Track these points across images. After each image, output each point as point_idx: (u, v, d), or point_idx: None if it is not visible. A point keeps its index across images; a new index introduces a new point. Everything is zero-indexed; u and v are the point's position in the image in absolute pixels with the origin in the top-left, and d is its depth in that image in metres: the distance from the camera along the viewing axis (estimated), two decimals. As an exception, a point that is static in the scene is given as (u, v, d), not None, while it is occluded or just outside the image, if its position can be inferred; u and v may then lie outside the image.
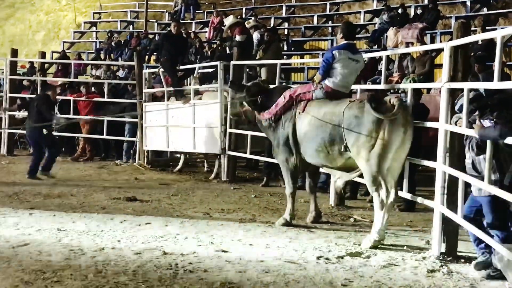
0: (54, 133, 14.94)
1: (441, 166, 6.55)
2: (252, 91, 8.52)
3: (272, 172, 11.61)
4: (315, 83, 7.68)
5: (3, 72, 16.61)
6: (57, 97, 15.17)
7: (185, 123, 12.66)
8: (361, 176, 7.31)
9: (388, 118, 6.74)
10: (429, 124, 7.29)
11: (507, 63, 13.25)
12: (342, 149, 7.10)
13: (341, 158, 7.29)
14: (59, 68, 20.69)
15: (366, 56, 10.76)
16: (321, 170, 8.42)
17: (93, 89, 15.61)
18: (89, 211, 8.66)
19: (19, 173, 12.32)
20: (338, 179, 7.80)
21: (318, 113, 7.41)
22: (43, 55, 19.22)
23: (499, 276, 5.58)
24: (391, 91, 9.81)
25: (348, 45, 7.62)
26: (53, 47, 28.60)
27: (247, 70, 12.44)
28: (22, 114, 16.18)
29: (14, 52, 17.26)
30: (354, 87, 8.23)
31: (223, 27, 17.49)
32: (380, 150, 6.81)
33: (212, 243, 6.90)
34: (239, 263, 6.10)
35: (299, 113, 7.70)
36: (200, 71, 13.32)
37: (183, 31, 17.67)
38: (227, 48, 15.28)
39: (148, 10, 26.93)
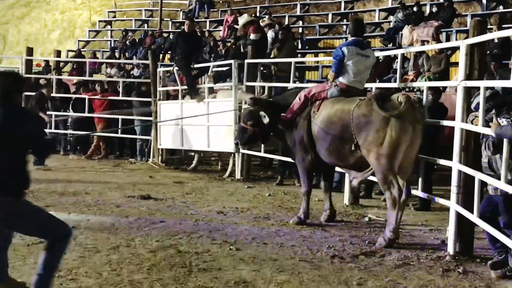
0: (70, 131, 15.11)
1: (457, 165, 6.51)
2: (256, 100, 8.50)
3: (286, 171, 11.61)
4: (330, 82, 7.68)
5: (19, 70, 16.70)
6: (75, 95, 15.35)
7: (200, 121, 12.67)
8: (374, 174, 7.28)
9: (394, 116, 6.71)
10: (445, 122, 7.25)
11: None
12: (353, 148, 7.08)
13: (352, 156, 7.27)
14: (74, 66, 20.77)
15: (381, 54, 10.75)
16: (336, 169, 8.40)
17: (105, 86, 15.66)
18: (103, 209, 8.68)
19: (34, 171, 12.35)
20: (353, 179, 7.78)
21: (330, 111, 7.40)
22: (58, 53, 19.34)
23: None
24: (406, 89, 9.76)
25: (355, 41, 7.62)
26: (68, 46, 28.76)
27: (261, 68, 12.43)
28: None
29: (30, 51, 17.36)
30: (368, 85, 8.20)
31: (237, 26, 17.46)
32: (389, 148, 6.78)
33: (226, 241, 6.90)
34: (253, 261, 6.10)
35: (313, 112, 7.68)
36: (214, 69, 13.32)
37: (197, 30, 17.70)
38: (241, 47, 15.26)
39: (163, 8, 27.00)
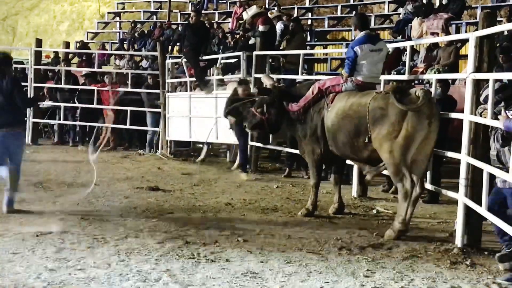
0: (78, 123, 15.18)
1: (465, 158, 6.49)
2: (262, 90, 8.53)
3: (294, 163, 11.60)
4: (344, 77, 7.63)
5: (28, 62, 16.76)
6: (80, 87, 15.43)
7: (208, 113, 12.68)
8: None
9: (412, 110, 6.69)
10: (454, 115, 7.23)
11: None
12: (366, 140, 7.06)
13: (365, 149, 7.24)
14: (83, 58, 20.80)
15: (390, 46, 10.68)
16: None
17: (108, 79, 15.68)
18: (112, 200, 8.72)
19: (44, 162, 12.44)
20: (367, 174, 7.75)
21: (345, 104, 7.38)
22: (67, 45, 19.35)
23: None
24: (416, 82, 9.71)
25: (367, 36, 7.55)
26: (77, 37, 28.76)
27: (270, 60, 12.42)
28: (47, 103, 16.38)
29: (39, 42, 17.40)
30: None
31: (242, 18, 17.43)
32: (404, 141, 6.75)
33: (234, 233, 6.91)
34: (261, 253, 6.11)
35: (327, 105, 7.66)
36: (222, 61, 13.31)
37: (206, 22, 17.67)
38: (250, 39, 15.24)
39: (172, 0, 26.94)
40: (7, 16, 34.67)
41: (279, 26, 15.06)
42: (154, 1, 29.26)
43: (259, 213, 8.09)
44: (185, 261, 5.76)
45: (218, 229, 7.09)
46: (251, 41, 14.89)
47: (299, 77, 11.06)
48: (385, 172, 7.59)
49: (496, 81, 5.99)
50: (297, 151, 9.90)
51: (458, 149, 6.75)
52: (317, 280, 5.32)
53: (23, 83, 16.79)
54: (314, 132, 7.88)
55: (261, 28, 12.93)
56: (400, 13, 18.47)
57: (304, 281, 5.30)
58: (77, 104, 15.56)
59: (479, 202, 6.12)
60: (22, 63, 19.98)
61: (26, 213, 7.65)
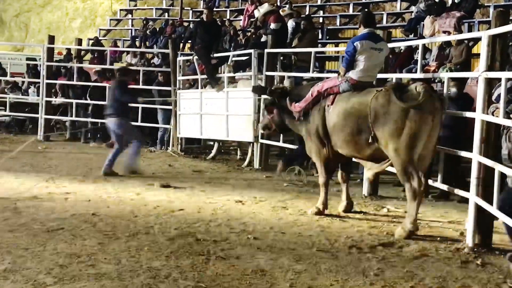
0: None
1: (477, 157, 6.46)
2: (276, 92, 8.53)
3: (305, 161, 11.55)
4: (340, 77, 7.62)
5: (41, 58, 16.85)
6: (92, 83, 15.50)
7: (219, 111, 12.70)
8: (392, 166, 7.23)
9: (413, 107, 6.66)
10: (466, 114, 7.20)
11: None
12: (370, 140, 7.03)
13: (368, 148, 7.22)
14: (95, 55, 20.89)
15: (402, 44, 10.67)
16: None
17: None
18: (123, 196, 8.75)
19: (55, 158, 12.51)
20: (368, 170, 7.75)
21: (347, 104, 7.35)
22: (79, 42, 19.43)
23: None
24: (430, 80, 9.68)
25: (369, 34, 7.53)
26: (90, 34, 28.86)
27: (281, 58, 12.42)
28: (59, 100, 16.47)
29: (51, 39, 17.49)
30: (389, 75, 8.14)
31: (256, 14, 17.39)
32: (409, 139, 6.71)
33: (244, 230, 6.92)
34: (271, 250, 6.11)
35: (328, 106, 7.64)
36: (234, 59, 13.33)
37: (217, 19, 17.68)
38: (262, 36, 15.25)
39: (184, -3, 27.00)
40: (20, 13, 34.85)
41: (290, 24, 15.05)
42: (166, -1, 29.34)
43: (269, 211, 8.09)
44: (195, 258, 5.77)
45: (229, 226, 7.10)
46: (263, 39, 14.89)
47: (311, 75, 11.05)
48: (389, 169, 7.56)
49: (508, 80, 5.96)
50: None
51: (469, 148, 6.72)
52: (327, 279, 5.32)
53: (35, 79, 17.10)
54: (316, 133, 7.86)
55: (272, 25, 12.93)
56: (412, 11, 18.42)
57: (313, 280, 5.29)
58: (89, 101, 15.64)
59: (490, 202, 6.09)
60: (35, 59, 20.12)
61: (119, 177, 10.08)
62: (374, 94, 7.03)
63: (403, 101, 6.68)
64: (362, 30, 7.61)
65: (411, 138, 6.71)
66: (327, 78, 8.55)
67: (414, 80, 8.48)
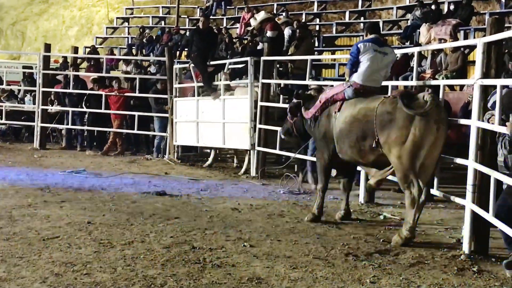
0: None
1: (472, 164, 6.46)
2: (302, 96, 8.55)
3: (305, 169, 11.46)
4: (346, 81, 7.67)
5: (37, 66, 16.84)
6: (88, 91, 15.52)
7: (215, 118, 12.70)
8: (394, 173, 7.23)
9: (419, 115, 6.66)
10: (463, 121, 7.21)
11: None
12: (374, 145, 7.04)
13: (372, 154, 7.23)
14: (91, 63, 20.89)
15: (398, 52, 10.67)
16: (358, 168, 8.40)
17: (117, 84, 15.69)
18: (119, 204, 8.72)
19: (51, 166, 12.48)
20: (371, 178, 7.74)
21: (354, 110, 7.38)
22: (75, 50, 19.44)
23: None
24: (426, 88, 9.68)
25: (373, 38, 7.61)
26: (86, 42, 28.89)
27: (277, 66, 12.43)
28: (55, 108, 16.45)
29: (48, 47, 17.47)
30: (385, 83, 8.16)
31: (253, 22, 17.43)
32: (412, 147, 6.72)
33: (240, 238, 6.90)
34: (267, 258, 6.10)
35: (335, 112, 7.66)
36: (230, 66, 13.33)
37: (214, 27, 17.71)
38: (258, 44, 15.26)
39: (180, 6, 27.01)
40: (16, 21, 34.88)
41: (287, 31, 15.06)
42: (162, 7, 29.41)
43: (265, 218, 8.08)
44: (191, 266, 5.76)
45: (225, 234, 7.08)
46: (259, 47, 14.91)
47: (307, 83, 11.05)
48: (390, 177, 7.57)
49: (503, 87, 5.97)
50: (304, 157, 10.01)
51: (452, 152, 6.73)
52: (323, 286, 5.31)
53: (31, 88, 17.08)
54: (322, 138, 7.90)
55: (269, 33, 12.94)
56: (408, 19, 18.51)
57: (310, 287, 5.28)
58: (85, 109, 15.63)
59: (486, 209, 6.09)
60: (31, 67, 20.11)
61: None
62: (381, 100, 7.06)
63: (410, 109, 6.68)
64: (368, 37, 7.69)
65: (415, 146, 6.71)
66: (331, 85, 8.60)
67: (412, 88, 8.54)
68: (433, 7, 17.34)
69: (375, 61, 7.47)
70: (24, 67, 21.64)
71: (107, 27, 29.56)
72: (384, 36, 15.75)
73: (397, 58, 13.02)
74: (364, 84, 7.49)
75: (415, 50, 9.10)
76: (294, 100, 8.56)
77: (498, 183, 5.98)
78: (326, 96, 7.86)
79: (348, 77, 7.63)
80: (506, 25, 10.07)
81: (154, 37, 24.26)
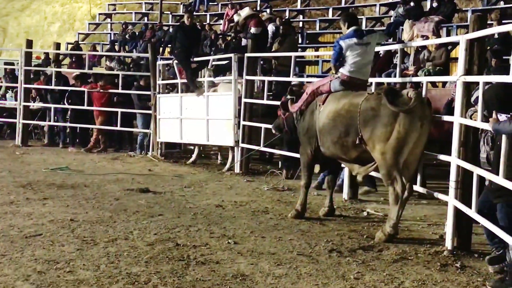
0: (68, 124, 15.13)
1: (455, 160, 6.50)
2: (295, 91, 8.54)
3: (291, 166, 11.43)
4: (332, 74, 7.68)
5: (18, 62, 16.69)
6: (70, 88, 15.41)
7: (199, 115, 12.67)
8: (377, 169, 7.25)
9: (404, 112, 6.68)
10: (445, 117, 7.24)
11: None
12: (357, 142, 7.05)
13: (355, 150, 7.24)
14: (73, 59, 20.75)
15: (381, 49, 10.71)
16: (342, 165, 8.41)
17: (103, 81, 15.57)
18: (102, 202, 8.68)
19: (33, 164, 12.39)
20: (357, 174, 7.73)
21: (338, 104, 7.37)
22: (57, 46, 19.29)
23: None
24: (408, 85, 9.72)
25: (354, 31, 7.60)
26: (68, 39, 28.74)
27: (261, 62, 12.42)
28: (37, 105, 16.33)
29: (29, 43, 17.29)
30: (369, 80, 8.17)
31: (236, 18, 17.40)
32: (396, 143, 6.73)
33: (224, 235, 6.90)
34: (251, 255, 6.10)
35: (319, 105, 7.67)
36: (214, 63, 13.30)
37: (197, 23, 17.65)
38: (242, 40, 15.25)
39: (163, 1, 26.93)
40: (-3, 17, 34.59)
41: (270, 28, 15.09)
42: (145, 3, 29.30)
43: (249, 215, 8.07)
44: (175, 263, 5.75)
45: (209, 231, 7.07)
46: (243, 43, 14.89)
47: (291, 79, 11.05)
48: (373, 173, 7.59)
49: (486, 83, 6.00)
50: (288, 153, 10.02)
51: (433, 149, 6.75)
52: (307, 283, 5.32)
53: (13, 84, 16.94)
54: (306, 132, 7.91)
55: (253, 30, 12.93)
56: (391, 16, 18.54)
57: (294, 284, 5.29)
58: (67, 106, 15.52)
59: (469, 205, 6.12)
60: (13, 64, 19.94)
61: None
62: (365, 97, 7.07)
63: (394, 105, 6.70)
64: (347, 31, 7.66)
65: (399, 143, 6.73)
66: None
67: (395, 84, 8.56)
68: (415, 4, 17.38)
69: (359, 54, 7.49)
70: (5, 63, 21.45)
71: (89, 23, 29.40)
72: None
73: (380, 55, 13.14)
74: (352, 76, 7.50)
75: (398, 47, 9.11)
76: (288, 96, 8.54)
77: (481, 179, 6.00)
78: (313, 88, 7.86)
79: (335, 71, 7.63)
80: (488, 22, 10.11)
81: (137, 33, 24.16)
